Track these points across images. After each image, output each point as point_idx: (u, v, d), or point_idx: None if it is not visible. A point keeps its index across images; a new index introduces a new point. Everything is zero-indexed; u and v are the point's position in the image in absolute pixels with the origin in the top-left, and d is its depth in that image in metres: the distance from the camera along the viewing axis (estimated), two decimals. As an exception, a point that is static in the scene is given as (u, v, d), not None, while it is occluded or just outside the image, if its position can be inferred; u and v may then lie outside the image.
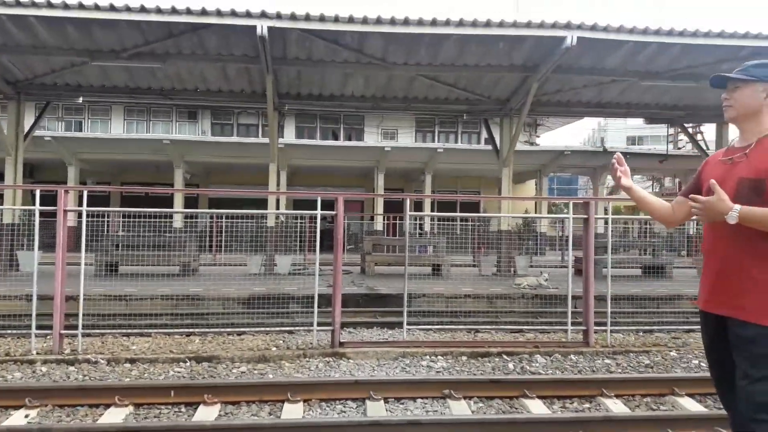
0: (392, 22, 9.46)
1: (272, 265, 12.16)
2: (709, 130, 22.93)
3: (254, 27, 9.20)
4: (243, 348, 6.42)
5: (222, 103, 13.34)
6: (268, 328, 7.31)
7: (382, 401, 4.51)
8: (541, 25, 9.66)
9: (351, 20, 9.42)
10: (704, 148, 15.06)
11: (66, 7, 8.88)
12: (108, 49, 10.16)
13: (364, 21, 9.41)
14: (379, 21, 9.45)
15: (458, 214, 11.09)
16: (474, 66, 11.13)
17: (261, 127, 28.04)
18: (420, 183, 24.29)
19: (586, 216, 7.06)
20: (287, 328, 7.34)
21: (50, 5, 8.83)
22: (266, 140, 21.62)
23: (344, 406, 4.50)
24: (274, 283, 10.83)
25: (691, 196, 2.16)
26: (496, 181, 25.54)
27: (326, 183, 26.17)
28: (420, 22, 9.49)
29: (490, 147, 20.23)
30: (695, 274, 13.40)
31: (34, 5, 8.81)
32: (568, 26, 9.68)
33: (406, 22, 9.46)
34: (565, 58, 10.45)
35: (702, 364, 6.25)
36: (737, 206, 2.02)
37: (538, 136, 29.50)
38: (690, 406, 4.84)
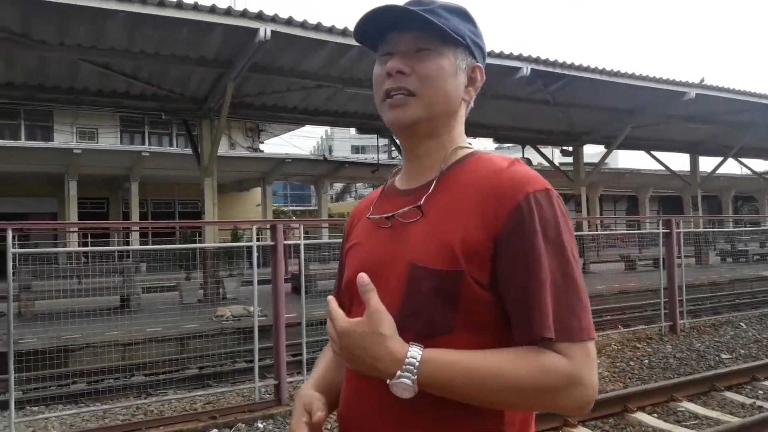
0: (25, -15, 7.05)
1: None
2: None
3: None
4: None
5: None
6: None
7: None
8: (229, 13, 8.19)
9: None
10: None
11: None
12: None
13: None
14: (3, -19, 6.95)
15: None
16: (155, 55, 9.16)
17: None
18: (126, 192, 21.13)
19: (273, 243, 5.84)
20: None
21: None
22: None
23: None
24: None
25: (331, 310, 0.95)
26: (220, 187, 23.74)
27: (9, 192, 21.28)
28: (67, -10, 7.24)
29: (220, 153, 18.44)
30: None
31: None
32: (260, 17, 8.36)
33: (45, -14, 7.13)
34: (263, 55, 9.17)
35: None
36: (415, 351, 0.89)
37: (261, 142, 28.32)
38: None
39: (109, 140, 24.35)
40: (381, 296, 0.92)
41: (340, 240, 1.25)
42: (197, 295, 11.50)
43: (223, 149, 25.30)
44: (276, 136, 27.96)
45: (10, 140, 20.68)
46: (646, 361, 7.10)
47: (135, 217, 20.64)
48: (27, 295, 9.87)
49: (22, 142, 20.47)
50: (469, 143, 1.08)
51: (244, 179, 23.78)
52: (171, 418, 5.28)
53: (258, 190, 24.61)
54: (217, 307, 10.05)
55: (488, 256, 0.91)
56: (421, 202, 0.99)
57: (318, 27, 8.78)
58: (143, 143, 25.13)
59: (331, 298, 0.96)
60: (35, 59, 8.96)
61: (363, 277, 0.91)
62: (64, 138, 23.19)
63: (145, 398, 6.11)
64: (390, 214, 1.03)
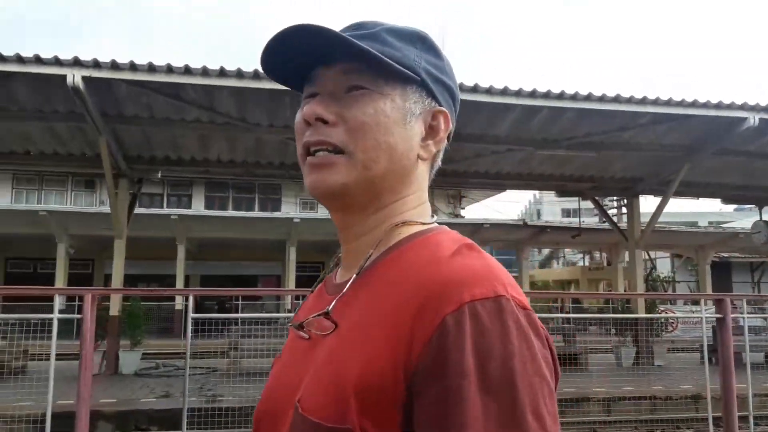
0: (239, 75, 7.98)
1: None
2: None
3: (65, 77, 7.52)
4: None
5: (56, 167, 11.49)
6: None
7: None
8: (415, 84, 8.37)
9: (188, 71, 7.88)
10: (615, 221, 14.01)
11: None
12: None
13: (205, 73, 7.90)
14: (223, 74, 7.95)
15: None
16: (351, 130, 9.72)
17: (186, 198, 26.13)
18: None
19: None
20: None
21: None
22: (171, 211, 19.97)
23: None
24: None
25: None
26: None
27: (241, 257, 24.26)
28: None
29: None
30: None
31: None
32: (446, 86, 8.42)
33: (256, 76, 8.00)
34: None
35: None
36: None
37: (463, 208, 28.61)
38: None
39: (326, 210, 26.64)
40: None
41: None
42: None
43: (426, 216, 26.16)
44: (477, 202, 28.06)
45: (245, 212, 23.76)
46: None
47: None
48: (234, 354, 10.77)
49: (255, 213, 23.32)
50: (433, 217, 0.78)
51: (445, 245, 24.09)
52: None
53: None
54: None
55: (398, 405, 0.59)
56: (330, 307, 0.70)
57: (505, 91, 8.56)
58: (355, 212, 26.99)
59: None
60: (252, 140, 10.09)
61: None
62: (289, 209, 25.94)
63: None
64: (299, 323, 0.75)
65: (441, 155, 0.81)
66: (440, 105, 0.77)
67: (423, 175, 0.78)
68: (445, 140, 0.79)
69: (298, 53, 0.73)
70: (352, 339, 0.65)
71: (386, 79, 0.72)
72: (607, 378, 9.89)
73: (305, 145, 0.74)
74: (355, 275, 0.71)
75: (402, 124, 0.73)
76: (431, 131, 0.77)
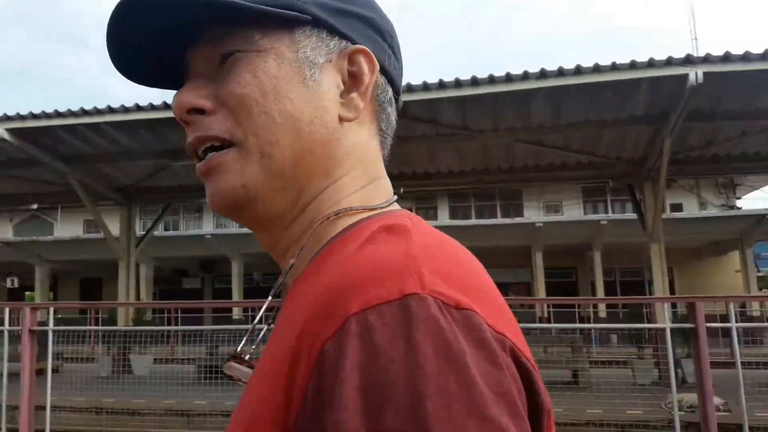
0: (458, 84, 8.00)
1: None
2: None
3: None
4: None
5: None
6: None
7: None
8: (651, 64, 7.42)
9: (410, 89, 8.12)
10: None
11: (139, 109, 8.94)
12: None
13: (426, 87, 8.08)
14: (443, 86, 8.05)
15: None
16: (583, 123, 9.02)
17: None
18: (590, 260, 21.43)
19: (693, 326, 4.65)
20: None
21: (125, 110, 8.95)
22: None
23: None
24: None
25: None
26: (694, 252, 21.71)
27: (488, 264, 24.34)
28: (491, 80, 7.87)
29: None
30: None
31: (111, 111, 8.97)
32: (688, 61, 7.30)
33: (474, 83, 7.93)
34: (701, 101, 7.94)
35: None
36: None
37: (738, 198, 24.62)
38: None
39: (572, 212, 25.35)
40: None
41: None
42: (651, 376, 10.38)
43: (692, 209, 23.20)
44: (757, 189, 23.85)
45: (487, 219, 23.81)
46: None
47: (600, 287, 20.76)
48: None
49: (496, 220, 23.20)
50: (394, 197, 0.59)
51: (718, 241, 21.07)
52: None
53: (735, 254, 21.29)
54: (668, 393, 8.72)
55: None
56: (239, 347, 0.55)
57: (765, 56, 7.10)
58: (605, 212, 25.20)
59: None
60: (477, 147, 10.02)
61: None
62: (532, 213, 25.28)
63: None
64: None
65: (391, 110, 0.61)
66: (356, 41, 0.57)
67: (363, 144, 0.58)
68: (370, 85, 0.57)
69: (153, 38, 0.55)
70: (248, 390, 0.48)
71: (262, 32, 0.53)
72: None
73: (189, 149, 0.56)
74: (269, 297, 0.54)
75: (299, 81, 0.54)
76: (354, 80, 0.56)
